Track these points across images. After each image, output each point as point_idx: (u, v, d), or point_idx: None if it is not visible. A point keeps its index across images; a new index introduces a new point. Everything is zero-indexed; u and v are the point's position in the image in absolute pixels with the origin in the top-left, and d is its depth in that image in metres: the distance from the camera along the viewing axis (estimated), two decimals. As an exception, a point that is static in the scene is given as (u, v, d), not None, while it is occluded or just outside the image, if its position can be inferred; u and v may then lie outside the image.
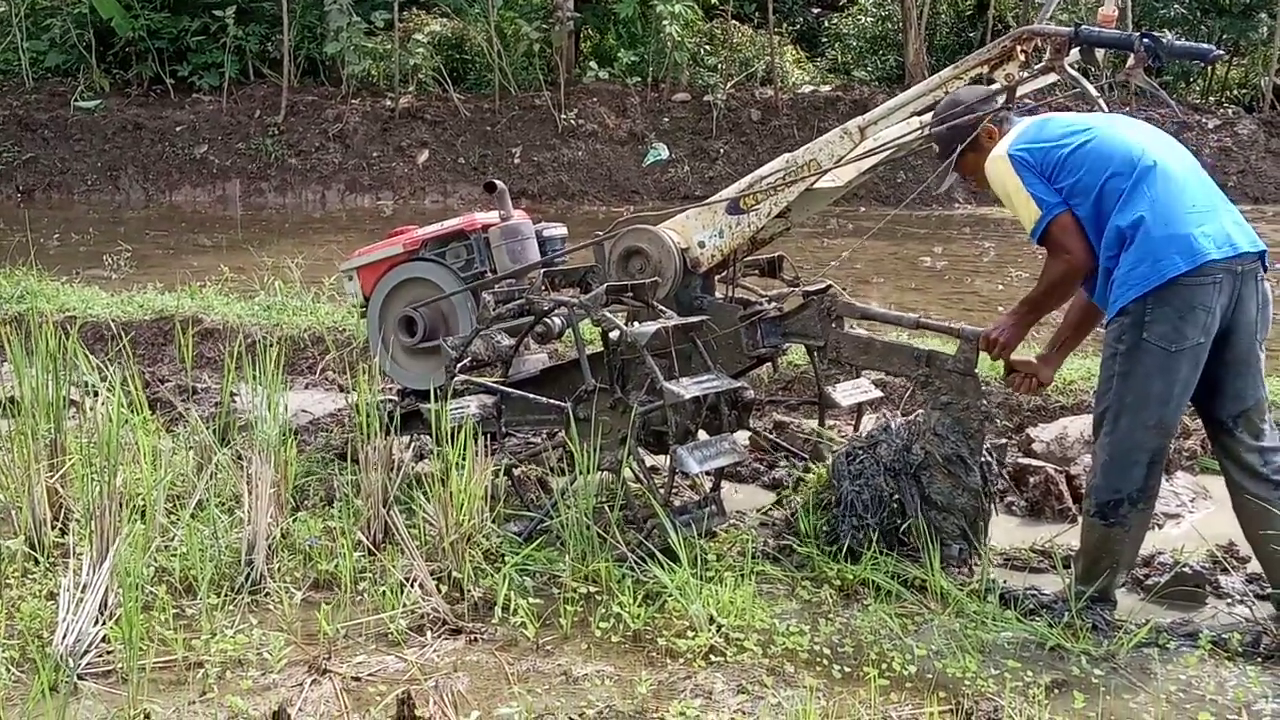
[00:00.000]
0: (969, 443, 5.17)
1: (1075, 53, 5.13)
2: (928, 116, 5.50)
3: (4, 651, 4.33)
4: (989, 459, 5.32)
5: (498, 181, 6.50)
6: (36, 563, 5.13)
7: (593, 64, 24.08)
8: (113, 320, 9.02)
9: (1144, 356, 4.53)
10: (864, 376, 6.50)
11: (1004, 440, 6.31)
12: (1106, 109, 5.04)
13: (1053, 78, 5.24)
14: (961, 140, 5.02)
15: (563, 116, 22.15)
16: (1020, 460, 6.36)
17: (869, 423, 6.27)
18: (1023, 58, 5.14)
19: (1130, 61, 4.89)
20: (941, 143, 5.16)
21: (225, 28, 23.31)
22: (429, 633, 4.66)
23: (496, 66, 22.73)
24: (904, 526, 5.16)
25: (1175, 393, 4.56)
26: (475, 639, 4.63)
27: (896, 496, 5.19)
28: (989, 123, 4.98)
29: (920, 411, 5.48)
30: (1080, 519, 4.95)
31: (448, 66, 23.42)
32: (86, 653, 4.33)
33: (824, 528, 5.31)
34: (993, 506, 5.39)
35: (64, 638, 4.31)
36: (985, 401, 5.40)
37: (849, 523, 5.21)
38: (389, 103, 22.93)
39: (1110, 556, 4.71)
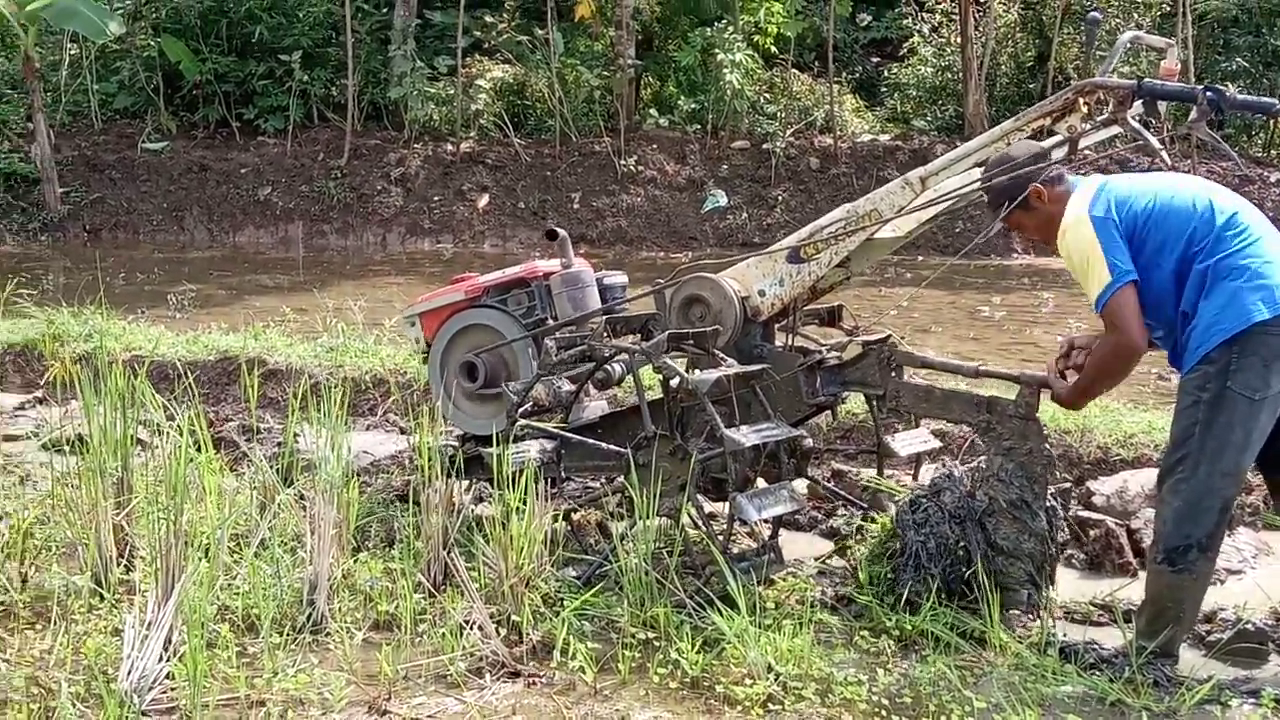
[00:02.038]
0: (1033, 487, 5.15)
1: (1138, 105, 5.14)
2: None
3: (70, 687, 4.38)
4: (1054, 504, 5.30)
5: (559, 229, 6.56)
6: (102, 599, 5.20)
7: (653, 111, 24.23)
8: (178, 360, 9.13)
9: (1227, 404, 4.51)
10: (923, 426, 6.49)
11: (1068, 484, 6.28)
12: (1169, 162, 5.04)
13: (1115, 130, 5.25)
14: (1012, 198, 5.02)
15: (622, 163, 22.26)
16: (1080, 513, 6.32)
17: (927, 473, 6.26)
18: (1085, 110, 5.14)
19: (1193, 115, 4.90)
20: (991, 195, 5.16)
21: (291, 72, 23.64)
22: (488, 675, 4.69)
23: (557, 112, 22.89)
24: (969, 574, 5.13)
25: (1253, 440, 4.56)
26: (534, 682, 4.66)
27: (962, 544, 5.17)
28: (1039, 184, 4.97)
29: (982, 459, 5.47)
30: (1145, 570, 4.92)
31: (509, 112, 23.62)
32: (150, 689, 4.38)
33: (888, 576, 5.29)
34: (1057, 551, 5.37)
35: (129, 674, 4.36)
36: (1048, 446, 5.38)
37: (910, 572, 5.19)
38: (450, 147, 23.13)
39: (1175, 607, 4.68)
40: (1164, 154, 5.04)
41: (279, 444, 7.30)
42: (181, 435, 5.37)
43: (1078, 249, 4.81)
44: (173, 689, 4.45)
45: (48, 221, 22.50)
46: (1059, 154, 5.27)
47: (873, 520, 5.78)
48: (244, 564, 5.35)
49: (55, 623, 4.88)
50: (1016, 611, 5.17)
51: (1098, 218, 4.75)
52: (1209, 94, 4.78)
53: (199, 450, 5.77)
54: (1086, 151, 5.61)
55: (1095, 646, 4.90)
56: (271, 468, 6.28)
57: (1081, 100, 5.13)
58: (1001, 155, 5.16)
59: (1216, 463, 4.55)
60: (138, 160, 23.68)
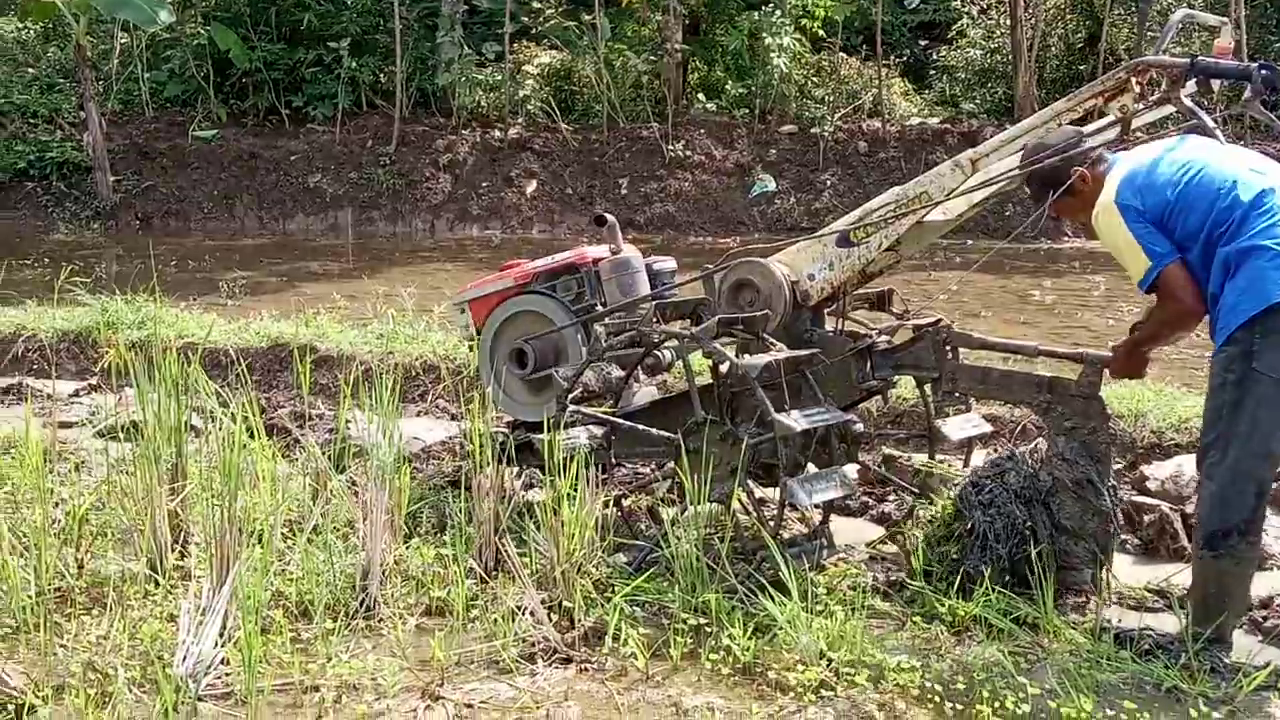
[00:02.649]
0: (1097, 466, 5.12)
1: (1191, 84, 5.08)
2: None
3: (126, 672, 4.42)
4: (1115, 486, 5.27)
5: (608, 215, 6.55)
6: (157, 584, 5.24)
7: (700, 96, 24.18)
8: (231, 347, 9.19)
9: (1254, 386, 4.47)
10: (974, 411, 6.45)
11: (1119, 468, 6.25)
12: (1223, 141, 4.97)
13: (1168, 110, 5.20)
14: (1054, 185, 4.98)
15: (670, 148, 22.24)
16: (1135, 498, 6.27)
17: (979, 457, 6.22)
18: (1138, 90, 5.09)
19: (1247, 93, 4.84)
20: (1033, 186, 5.12)
21: (340, 59, 23.76)
22: (540, 661, 4.70)
23: (605, 98, 22.90)
24: (1035, 553, 5.08)
25: None
26: (585, 668, 4.66)
27: (1029, 524, 5.14)
28: (1082, 166, 4.92)
29: (1038, 440, 5.43)
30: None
31: (556, 98, 23.65)
32: (206, 674, 4.41)
33: (953, 557, 5.26)
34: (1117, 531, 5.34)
35: (184, 659, 4.40)
36: (1111, 425, 5.34)
37: (977, 553, 5.16)
38: (498, 133, 23.18)
39: (1222, 592, 4.63)
40: (1218, 133, 4.98)
41: (331, 430, 7.34)
42: (235, 422, 5.40)
43: (1110, 237, 4.80)
44: (228, 674, 4.48)
45: (100, 210, 22.71)
46: (1110, 135, 5.23)
47: (930, 503, 5.74)
48: (297, 550, 5.38)
49: (111, 608, 4.92)
50: (1079, 591, 5.13)
51: (1125, 206, 4.72)
52: (1264, 72, 4.72)
53: (252, 437, 5.80)
54: (1138, 134, 5.56)
55: (1150, 632, 4.85)
56: (324, 454, 6.31)
57: (1134, 80, 5.08)
58: (1035, 144, 5.11)
59: (1247, 444, 4.50)
60: (188, 148, 23.86)
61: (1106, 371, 5.21)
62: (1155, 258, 4.64)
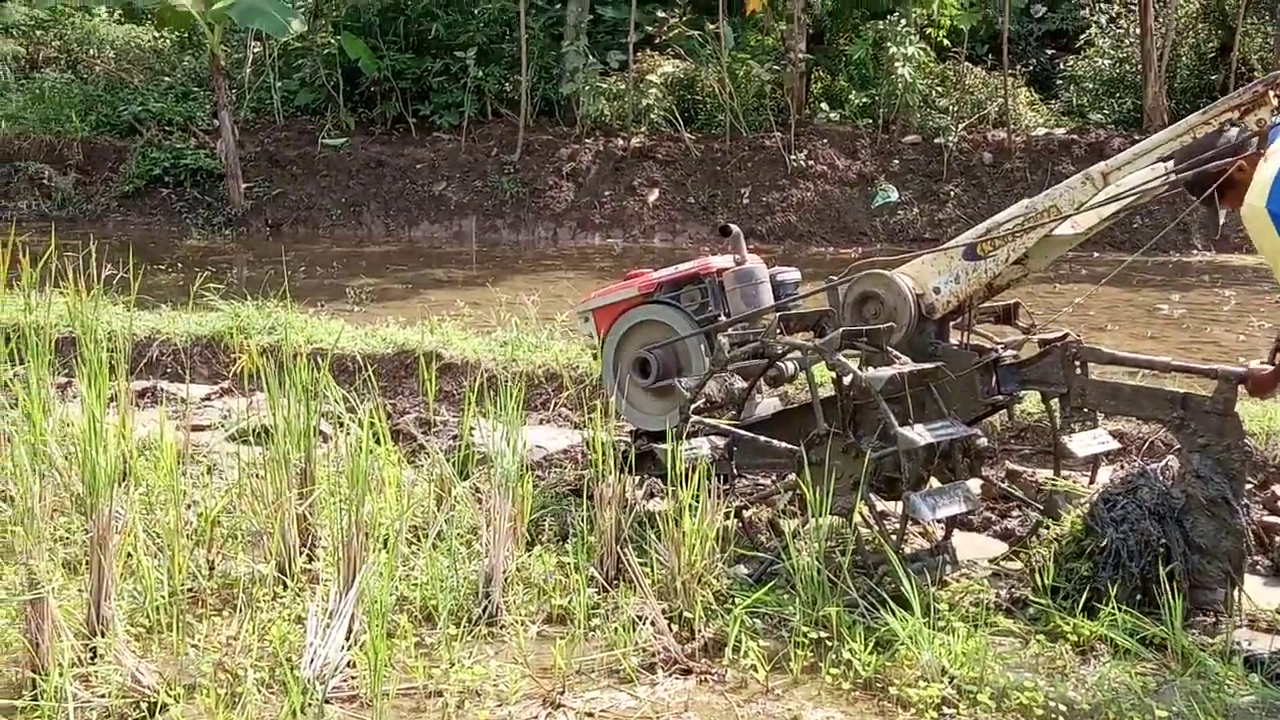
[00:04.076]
0: (1232, 484, 5.03)
1: (1331, 98, 4.98)
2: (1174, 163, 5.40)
3: (255, 673, 4.50)
4: (1247, 505, 5.18)
5: (733, 226, 6.56)
6: (285, 587, 5.33)
7: (823, 105, 24.08)
8: (358, 353, 9.32)
9: None
10: (1100, 427, 6.36)
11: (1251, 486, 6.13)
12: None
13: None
14: (1215, 180, 4.86)
15: (792, 157, 22.19)
16: (1266, 518, 6.14)
17: (1105, 474, 6.14)
18: (1276, 102, 5.00)
19: None
20: (1193, 189, 5.01)
21: (466, 68, 24.04)
22: (660, 671, 4.71)
23: (727, 107, 22.90)
24: (1167, 571, 5.01)
25: None
26: (705, 679, 4.67)
27: (1163, 541, 5.06)
28: (1246, 159, 4.80)
29: (1169, 458, 5.35)
30: None
31: (679, 107, 23.68)
32: (332, 677, 4.48)
33: (1083, 574, 5.18)
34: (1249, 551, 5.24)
35: (312, 662, 4.47)
36: (1247, 442, 5.24)
37: (1110, 571, 5.09)
38: (621, 142, 23.27)
39: None
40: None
41: (455, 437, 7.41)
42: (362, 428, 5.48)
43: (1260, 241, 4.67)
44: (353, 677, 4.55)
45: (232, 216, 23.16)
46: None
47: (1057, 519, 5.65)
48: (421, 555, 5.46)
49: (241, 610, 5.03)
50: (1212, 611, 5.04)
51: (1276, 213, 4.55)
52: None
53: (378, 443, 5.89)
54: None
55: (1282, 656, 4.77)
56: (448, 461, 6.38)
57: (1272, 93, 4.98)
58: (1188, 147, 5.02)
59: None
60: (318, 156, 24.26)
61: (1241, 388, 5.11)
62: None
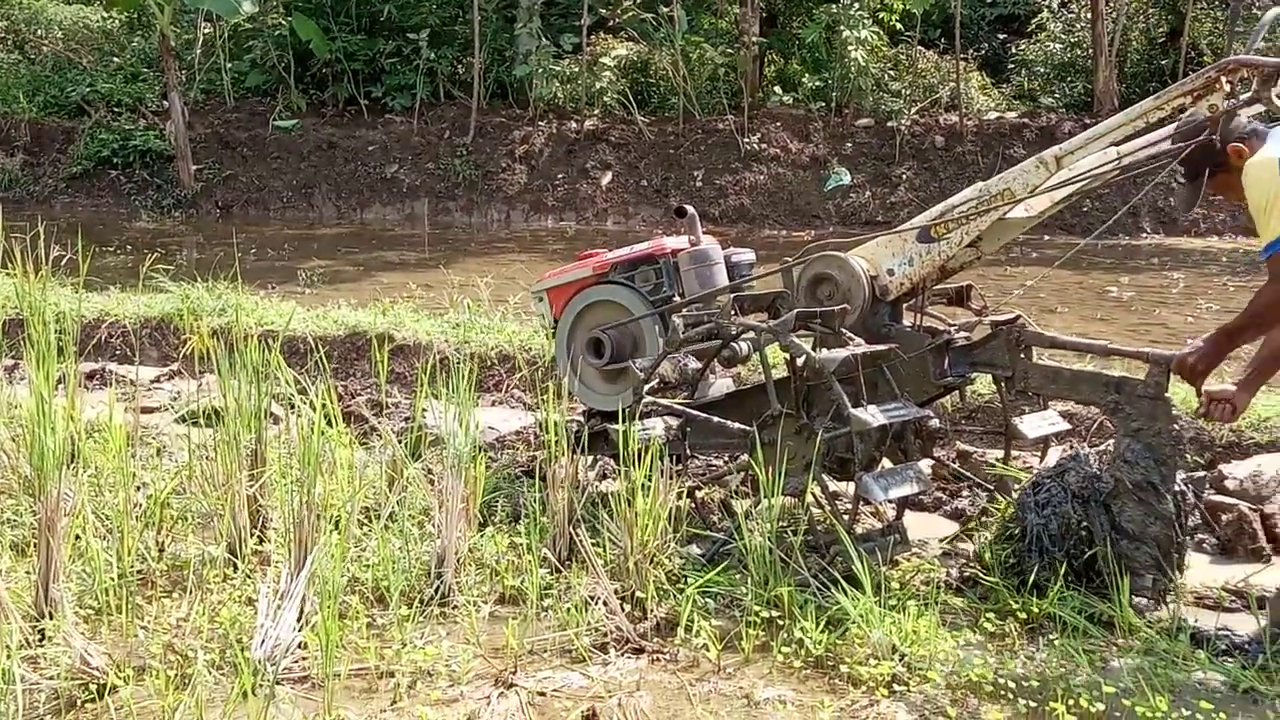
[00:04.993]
0: (1161, 469, 5.07)
1: (1282, 83, 5.02)
2: (1125, 147, 5.42)
3: (205, 655, 4.48)
4: (1185, 490, 5.21)
5: (688, 207, 6.56)
6: (236, 568, 5.30)
7: (776, 89, 24.10)
8: (309, 335, 9.27)
9: None
10: (1051, 408, 6.41)
11: (1202, 474, 6.17)
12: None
13: (1258, 109, 5.13)
14: (1212, 162, 4.87)
15: (745, 140, 22.20)
16: (1213, 498, 6.20)
17: (1055, 455, 6.18)
18: (1228, 88, 5.03)
19: None
20: (1188, 164, 5.00)
21: (418, 50, 23.94)
22: (612, 650, 4.72)
23: (681, 90, 22.89)
24: (1088, 556, 5.06)
25: None
26: (657, 659, 4.68)
27: (1085, 525, 5.10)
28: (1237, 143, 4.81)
29: (1111, 441, 5.39)
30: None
31: (633, 90, 23.66)
32: (283, 658, 4.46)
33: (1011, 559, 5.24)
34: (1186, 536, 5.27)
35: (262, 643, 4.45)
36: (1178, 426, 5.27)
37: (1034, 556, 5.13)
38: (574, 125, 23.23)
39: None
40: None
41: (407, 419, 7.39)
42: (313, 409, 5.45)
43: (1259, 188, 4.64)
44: (304, 658, 4.54)
45: (181, 198, 22.99)
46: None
47: (995, 503, 5.71)
48: (374, 537, 5.44)
49: (191, 591, 5.01)
50: (1141, 598, 5.09)
51: None
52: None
53: (330, 424, 5.86)
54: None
55: (1227, 633, 4.81)
56: (400, 442, 6.36)
57: (1224, 78, 5.01)
58: (1191, 122, 5.01)
59: None
60: (268, 138, 24.12)
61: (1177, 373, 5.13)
62: None
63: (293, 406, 6.14)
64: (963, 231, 5.64)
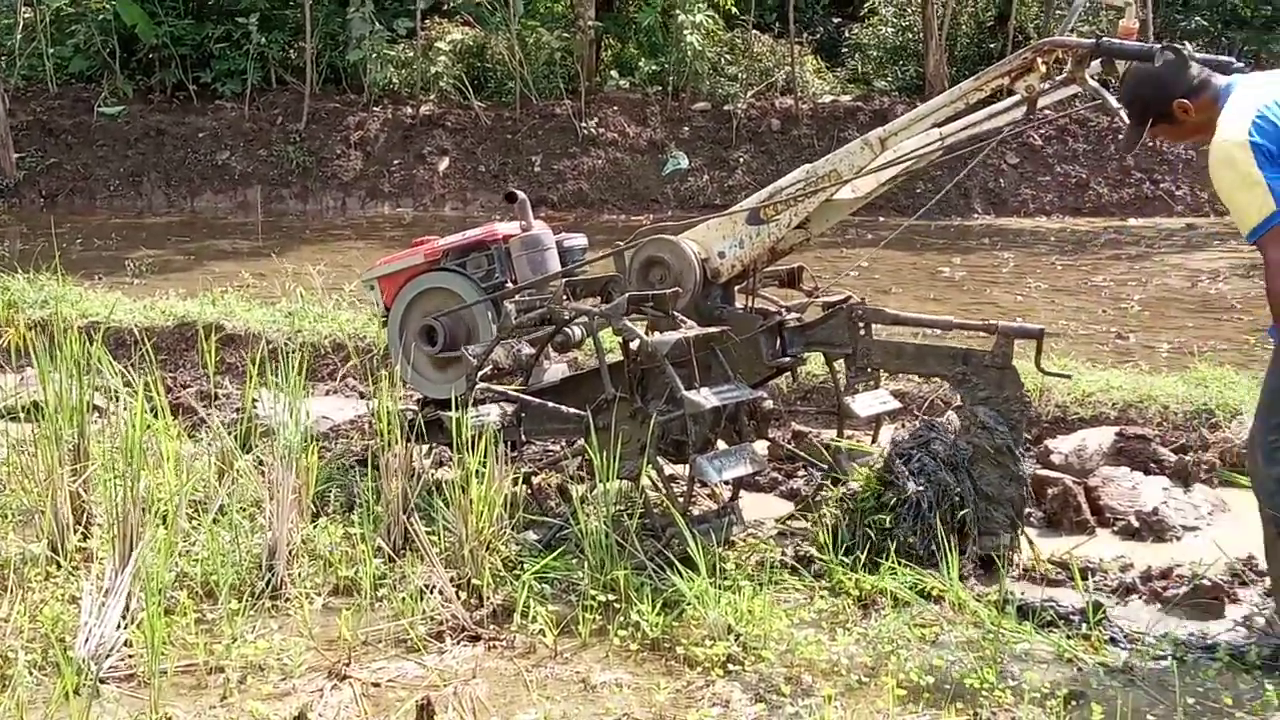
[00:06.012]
0: (1013, 434, 5.21)
1: (1096, 64, 5.14)
2: (948, 128, 5.52)
3: (26, 655, 4.36)
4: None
5: (519, 192, 6.54)
6: (59, 566, 5.17)
7: (613, 73, 24.08)
8: (135, 326, 9.06)
9: None
10: (882, 387, 6.50)
11: (1028, 448, 6.32)
12: (1126, 121, 4.99)
13: (1074, 89, 5.26)
14: (1156, 112, 4.70)
15: (583, 125, 22.18)
16: (1038, 472, 6.35)
17: (887, 434, 6.27)
18: (1044, 69, 5.15)
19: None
20: (1134, 110, 4.81)
21: (248, 35, 23.42)
22: (448, 639, 4.69)
23: (517, 75, 22.77)
24: (960, 517, 5.20)
25: None
26: (494, 646, 4.67)
27: (958, 490, 5.23)
28: (1182, 99, 4.62)
29: (949, 413, 5.51)
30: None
31: (469, 75, 23.46)
32: (108, 656, 4.36)
33: (886, 527, 5.25)
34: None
35: (86, 642, 4.35)
36: (1024, 392, 5.42)
37: (910, 522, 5.22)
38: (410, 110, 22.98)
39: None
40: (1122, 113, 5.01)
41: (237, 410, 7.26)
42: (139, 402, 5.33)
43: (1229, 171, 4.42)
44: (131, 656, 4.45)
45: (3, 187, 22.28)
46: (1017, 114, 5.28)
47: (842, 478, 5.71)
48: (202, 530, 5.34)
49: (11, 591, 4.85)
50: (996, 555, 5.23)
51: (1258, 145, 4.35)
52: (1167, 53, 4.74)
53: (156, 417, 5.75)
54: (1045, 111, 5.62)
55: (1053, 604, 4.92)
56: (230, 434, 6.25)
57: (1040, 59, 5.13)
58: (1139, 71, 4.81)
59: None
60: (94, 125, 23.45)
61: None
62: None
63: (117, 399, 6.00)
64: (791, 213, 5.70)
